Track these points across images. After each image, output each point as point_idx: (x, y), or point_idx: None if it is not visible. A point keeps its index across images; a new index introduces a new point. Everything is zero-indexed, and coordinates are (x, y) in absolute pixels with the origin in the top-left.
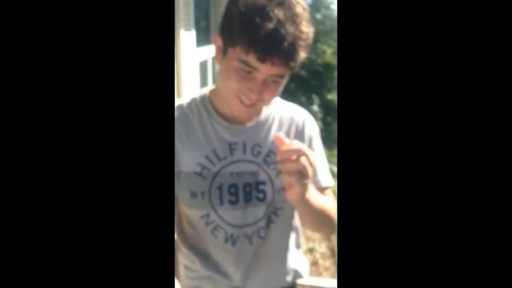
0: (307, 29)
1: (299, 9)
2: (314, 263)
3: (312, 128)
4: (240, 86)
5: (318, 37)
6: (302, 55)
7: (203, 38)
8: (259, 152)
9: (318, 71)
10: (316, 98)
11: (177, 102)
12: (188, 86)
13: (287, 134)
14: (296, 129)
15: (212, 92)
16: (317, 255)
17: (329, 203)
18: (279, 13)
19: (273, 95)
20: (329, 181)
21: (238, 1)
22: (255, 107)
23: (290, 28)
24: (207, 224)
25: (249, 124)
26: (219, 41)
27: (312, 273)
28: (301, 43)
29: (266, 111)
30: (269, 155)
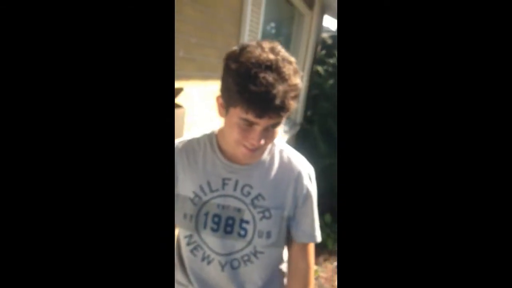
0: (296, 81)
1: (286, 68)
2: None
3: (310, 184)
4: (242, 136)
5: None
6: (294, 103)
7: None
8: (249, 193)
9: None
10: None
11: (195, 135)
12: None
13: (285, 182)
14: (297, 183)
15: (219, 131)
16: (322, 281)
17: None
18: (268, 76)
19: (274, 138)
20: (317, 238)
21: (231, 70)
22: (259, 151)
23: (279, 87)
24: (188, 244)
25: (246, 165)
26: (221, 100)
27: None
28: (292, 94)
29: (265, 155)
30: (257, 198)
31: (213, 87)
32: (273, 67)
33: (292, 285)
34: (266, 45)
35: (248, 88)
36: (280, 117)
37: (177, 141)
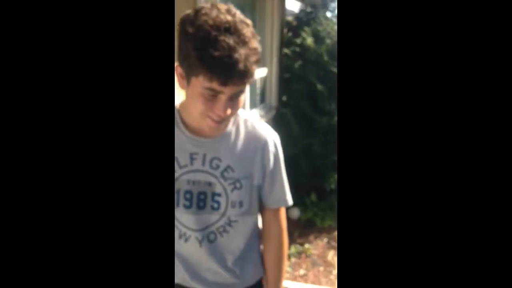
0: (255, 44)
1: (245, 30)
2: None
3: (276, 151)
4: (207, 107)
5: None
6: (256, 68)
7: None
8: (218, 166)
9: None
10: None
11: None
12: None
13: (251, 151)
14: (263, 151)
15: (181, 105)
16: (315, 257)
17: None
18: (228, 39)
19: (239, 108)
20: (288, 201)
21: (189, 35)
22: (224, 122)
23: (241, 50)
24: None
25: (212, 137)
26: (180, 70)
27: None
28: (253, 58)
29: (230, 126)
30: (227, 170)
31: None
32: (232, 30)
33: (267, 248)
34: (222, 6)
35: (209, 53)
36: (244, 83)
37: None
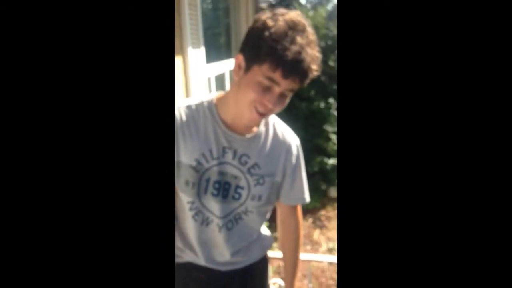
0: (319, 54)
1: (313, 37)
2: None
3: (298, 153)
4: (259, 97)
5: None
6: (314, 74)
7: (213, 53)
8: (246, 162)
9: None
10: None
11: (186, 101)
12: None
13: (277, 152)
14: (287, 154)
15: (219, 100)
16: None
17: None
18: (301, 39)
19: (282, 106)
20: (306, 199)
21: (268, 27)
22: (265, 116)
23: (309, 52)
24: (190, 209)
25: (244, 135)
26: (241, 59)
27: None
28: (315, 64)
29: (261, 127)
30: (253, 167)
31: None
32: (305, 34)
33: (285, 240)
34: (295, 11)
35: (282, 44)
36: (300, 83)
37: (176, 107)
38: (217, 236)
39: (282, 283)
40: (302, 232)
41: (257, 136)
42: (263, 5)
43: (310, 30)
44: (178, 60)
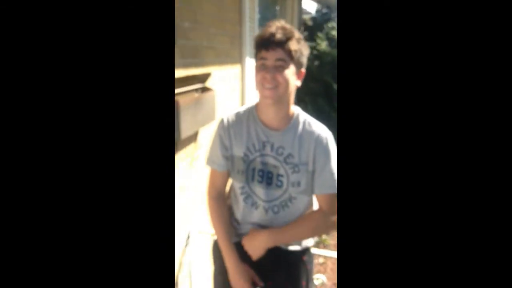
0: (294, 46)
1: (293, 32)
2: None
3: (327, 144)
4: (260, 76)
5: None
6: (295, 46)
7: None
8: (282, 153)
9: None
10: None
11: (238, 109)
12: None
13: (307, 143)
14: (316, 143)
15: (257, 104)
16: (332, 248)
17: (304, 223)
18: (277, 28)
19: (285, 78)
20: (332, 188)
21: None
22: (276, 90)
23: (283, 32)
24: (241, 193)
25: (279, 131)
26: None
27: None
28: (293, 41)
29: (293, 123)
30: (288, 156)
31: (229, 71)
32: (286, 29)
33: (301, 217)
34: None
35: (263, 31)
36: (285, 51)
37: (225, 117)
38: (265, 218)
39: (325, 279)
40: (320, 225)
41: (288, 129)
42: (306, 16)
43: (294, 30)
44: (237, 69)
